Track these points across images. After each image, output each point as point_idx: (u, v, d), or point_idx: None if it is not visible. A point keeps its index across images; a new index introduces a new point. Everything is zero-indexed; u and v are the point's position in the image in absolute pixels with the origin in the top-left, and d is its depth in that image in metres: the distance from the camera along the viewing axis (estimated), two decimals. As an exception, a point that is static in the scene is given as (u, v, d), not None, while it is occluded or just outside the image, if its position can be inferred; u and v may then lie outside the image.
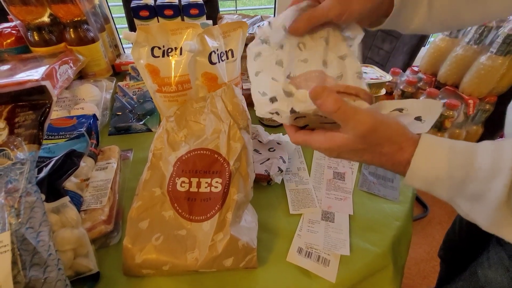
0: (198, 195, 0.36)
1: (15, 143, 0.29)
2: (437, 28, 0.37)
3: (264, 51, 0.30)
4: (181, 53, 0.47)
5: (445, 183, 0.24)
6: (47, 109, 0.30)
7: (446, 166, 0.24)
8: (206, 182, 0.36)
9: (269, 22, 0.30)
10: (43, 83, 0.29)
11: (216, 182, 0.36)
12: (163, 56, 0.47)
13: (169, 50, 0.47)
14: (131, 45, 0.83)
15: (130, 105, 0.61)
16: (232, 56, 0.48)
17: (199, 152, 0.37)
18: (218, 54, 0.46)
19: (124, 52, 0.83)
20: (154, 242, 0.33)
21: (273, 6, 1.64)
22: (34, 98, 0.30)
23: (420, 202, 1.35)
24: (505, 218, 0.22)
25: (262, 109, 0.29)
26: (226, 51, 0.47)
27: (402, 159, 0.26)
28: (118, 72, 0.77)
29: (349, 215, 0.43)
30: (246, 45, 0.59)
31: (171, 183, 0.36)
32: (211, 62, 0.45)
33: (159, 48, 0.46)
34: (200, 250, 0.33)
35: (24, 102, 0.30)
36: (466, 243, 0.59)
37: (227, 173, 0.36)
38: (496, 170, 0.22)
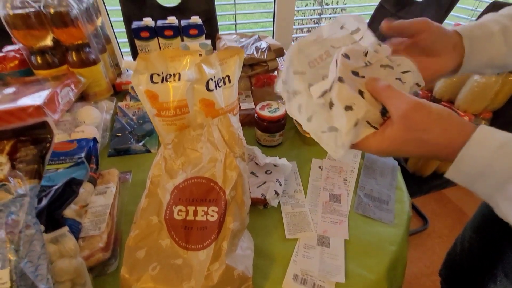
0: (194, 224, 0.36)
1: (16, 178, 0.29)
2: None
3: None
4: (179, 79, 0.48)
5: (488, 181, 0.24)
6: (48, 144, 0.31)
7: (493, 164, 0.23)
8: (202, 211, 0.36)
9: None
10: (45, 119, 0.30)
11: (213, 211, 0.36)
12: (161, 82, 0.48)
13: (168, 76, 0.48)
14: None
15: (130, 126, 0.62)
16: (229, 81, 0.50)
17: (196, 180, 0.38)
18: (215, 81, 0.47)
19: (128, 71, 0.85)
20: (151, 271, 0.34)
21: (272, 19, 1.67)
22: (36, 133, 0.31)
23: (420, 214, 1.35)
24: None
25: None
26: (223, 78, 0.49)
27: (450, 150, 0.25)
28: (118, 91, 0.78)
29: (345, 239, 0.43)
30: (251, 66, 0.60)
31: (168, 211, 0.37)
32: (208, 89, 0.46)
33: (158, 74, 0.48)
34: (196, 280, 0.33)
35: (26, 136, 0.31)
36: (468, 265, 0.58)
37: (223, 202, 0.36)
38: None
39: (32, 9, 0.58)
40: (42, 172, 0.31)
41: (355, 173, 0.55)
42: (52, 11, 0.58)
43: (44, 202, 0.34)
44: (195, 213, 0.36)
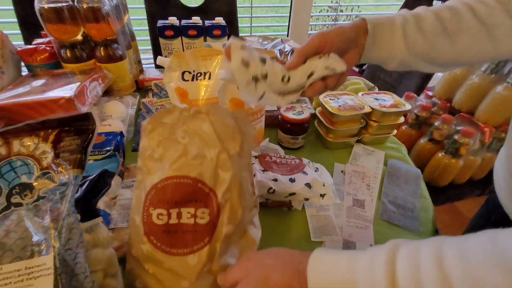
0: (179, 227, 0.31)
1: (60, 167, 0.30)
2: (421, 64, 0.40)
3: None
4: (209, 78, 0.49)
5: None
6: (91, 135, 0.32)
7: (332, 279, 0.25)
8: (188, 213, 0.31)
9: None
10: (89, 110, 0.31)
11: (203, 213, 0.31)
12: (192, 80, 0.49)
13: (198, 75, 0.49)
14: (153, 63, 0.85)
15: (153, 122, 0.63)
16: (259, 82, 0.50)
17: (178, 180, 0.31)
18: (246, 81, 0.47)
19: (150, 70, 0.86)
20: (148, 271, 0.32)
21: (287, 23, 1.68)
22: (79, 123, 0.32)
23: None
24: None
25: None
26: (253, 78, 0.49)
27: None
28: (140, 88, 0.79)
29: (370, 245, 0.43)
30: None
31: (145, 214, 0.31)
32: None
33: (190, 72, 0.48)
34: (190, 282, 0.31)
35: (70, 127, 0.31)
36: None
37: (214, 204, 0.31)
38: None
39: (65, 4, 0.59)
40: (84, 162, 0.31)
41: (378, 179, 0.54)
42: (85, 6, 0.60)
43: (80, 192, 0.35)
44: (179, 215, 0.31)
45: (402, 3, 1.14)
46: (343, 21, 2.30)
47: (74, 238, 0.30)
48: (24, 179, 0.29)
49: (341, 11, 2.37)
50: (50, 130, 0.31)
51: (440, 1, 1.16)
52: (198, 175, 0.31)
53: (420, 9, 0.39)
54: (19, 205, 0.28)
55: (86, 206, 0.35)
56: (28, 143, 0.30)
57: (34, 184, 0.29)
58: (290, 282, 0.27)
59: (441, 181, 0.91)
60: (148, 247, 0.31)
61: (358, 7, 2.35)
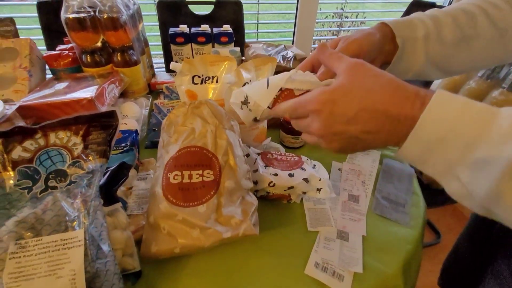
0: (190, 185, 0.39)
1: (89, 156, 0.35)
2: (435, 73, 0.40)
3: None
4: (217, 81, 0.54)
5: (449, 146, 0.22)
6: (114, 130, 0.36)
7: (456, 123, 0.21)
8: (197, 174, 0.40)
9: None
10: (112, 108, 0.36)
11: (208, 173, 0.40)
12: (201, 83, 0.54)
13: (207, 79, 0.54)
14: (163, 68, 0.91)
15: (164, 122, 0.68)
16: (262, 85, 0.55)
17: (189, 149, 0.42)
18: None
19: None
20: (163, 231, 0.38)
21: (292, 30, 1.74)
22: (104, 120, 0.37)
23: (433, 228, 1.34)
24: (505, 191, 0.20)
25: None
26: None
27: (409, 113, 0.23)
28: (152, 90, 0.85)
29: (363, 235, 0.46)
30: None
31: (164, 179, 0.40)
32: (244, 91, 0.51)
33: (199, 76, 0.53)
34: (200, 228, 0.37)
35: (97, 122, 0.36)
36: (464, 272, 0.60)
37: (217, 166, 0.41)
38: None
39: (88, 14, 0.65)
40: (109, 153, 0.36)
41: (373, 177, 0.58)
42: (105, 16, 0.66)
43: (103, 180, 0.40)
44: (190, 176, 0.40)
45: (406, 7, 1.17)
46: (348, 27, 2.34)
47: (99, 219, 0.34)
48: (58, 166, 0.34)
49: (346, 17, 2.41)
50: (80, 125, 0.36)
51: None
52: (203, 144, 0.42)
53: (437, 12, 0.38)
54: (54, 188, 0.33)
55: (108, 193, 0.39)
56: (62, 136, 0.35)
57: (67, 170, 0.34)
58: (401, 102, 0.23)
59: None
60: (165, 205, 0.38)
61: (364, 13, 2.38)
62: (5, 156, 0.32)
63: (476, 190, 0.21)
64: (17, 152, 0.33)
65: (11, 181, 0.32)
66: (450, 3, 1.12)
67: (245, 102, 0.38)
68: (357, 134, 0.26)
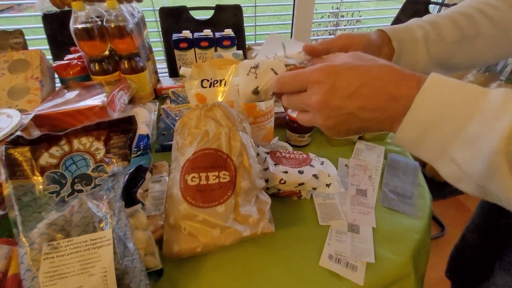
0: (208, 187, 0.41)
1: (112, 160, 0.37)
2: (439, 72, 0.41)
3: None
4: (225, 85, 0.56)
5: (444, 126, 0.22)
6: (133, 134, 0.38)
7: (449, 102, 0.22)
8: (214, 175, 0.42)
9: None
10: (131, 114, 0.37)
11: (224, 174, 0.42)
12: (210, 87, 0.56)
13: (215, 82, 0.56)
14: (166, 73, 0.93)
15: (173, 126, 0.70)
16: (268, 87, 0.56)
17: (204, 151, 0.43)
18: (257, 86, 0.54)
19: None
20: (183, 231, 0.39)
21: (290, 30, 1.76)
22: (124, 125, 0.38)
23: (437, 221, 1.36)
24: (499, 166, 0.20)
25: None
26: (264, 83, 0.56)
27: (405, 92, 0.24)
28: (158, 95, 0.87)
29: (372, 227, 0.48)
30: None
31: (182, 181, 0.42)
32: (252, 93, 0.53)
33: (208, 80, 0.55)
34: (220, 227, 0.39)
35: (117, 127, 0.38)
36: (472, 263, 0.62)
37: (232, 167, 0.43)
38: (505, 109, 0.20)
39: (96, 24, 0.67)
40: (130, 156, 0.38)
41: (379, 172, 0.60)
42: (112, 25, 0.68)
43: (123, 183, 0.42)
44: (207, 178, 0.41)
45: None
46: (344, 25, 2.37)
47: (123, 219, 0.36)
48: (83, 170, 0.36)
49: (342, 16, 2.44)
50: (101, 131, 0.38)
51: (437, 5, 1.22)
52: (218, 146, 0.43)
53: (433, 17, 0.39)
54: (80, 191, 0.35)
55: (128, 195, 0.41)
56: (85, 142, 0.37)
57: (91, 174, 0.36)
58: (398, 81, 0.24)
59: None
60: (185, 206, 0.40)
61: (359, 12, 2.41)
62: (34, 162, 0.34)
63: (471, 168, 0.22)
64: (45, 159, 0.35)
65: (41, 186, 0.34)
66: (442, 1, 1.15)
67: (255, 67, 0.37)
68: (355, 110, 0.26)
